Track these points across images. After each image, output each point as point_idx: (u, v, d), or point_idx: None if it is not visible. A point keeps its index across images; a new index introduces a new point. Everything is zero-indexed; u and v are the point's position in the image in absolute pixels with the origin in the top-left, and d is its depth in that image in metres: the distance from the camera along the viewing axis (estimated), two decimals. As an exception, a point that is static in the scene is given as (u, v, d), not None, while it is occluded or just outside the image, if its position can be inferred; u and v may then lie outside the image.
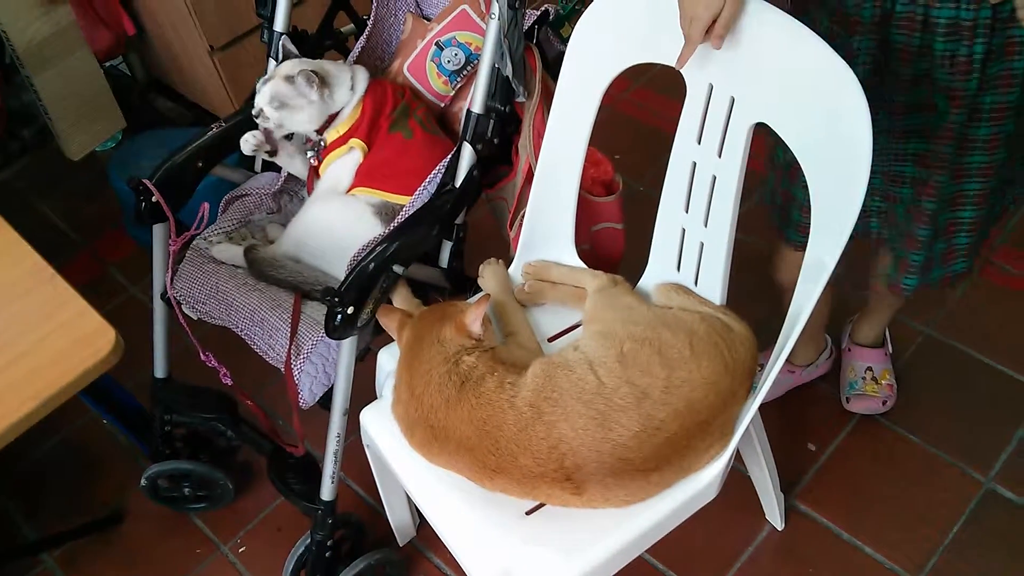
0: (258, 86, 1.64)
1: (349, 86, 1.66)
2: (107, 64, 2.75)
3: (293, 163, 1.75)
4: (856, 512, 1.82)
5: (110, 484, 2.06)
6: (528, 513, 1.32)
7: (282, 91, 1.62)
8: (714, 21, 1.23)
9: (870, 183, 1.16)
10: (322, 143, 1.68)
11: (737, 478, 1.63)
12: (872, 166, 1.16)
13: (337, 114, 1.66)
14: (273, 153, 1.73)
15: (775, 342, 1.34)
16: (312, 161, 1.71)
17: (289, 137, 1.75)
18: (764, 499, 1.77)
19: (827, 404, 1.99)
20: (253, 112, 1.63)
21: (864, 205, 1.17)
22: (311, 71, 1.60)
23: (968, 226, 1.51)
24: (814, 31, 1.21)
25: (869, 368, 1.95)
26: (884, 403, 1.93)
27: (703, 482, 1.32)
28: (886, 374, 1.95)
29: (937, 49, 1.31)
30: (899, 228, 1.52)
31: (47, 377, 1.08)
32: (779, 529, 1.81)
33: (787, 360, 1.85)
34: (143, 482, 1.88)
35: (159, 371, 1.82)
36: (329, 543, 1.67)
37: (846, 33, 1.36)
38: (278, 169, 1.81)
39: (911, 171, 1.45)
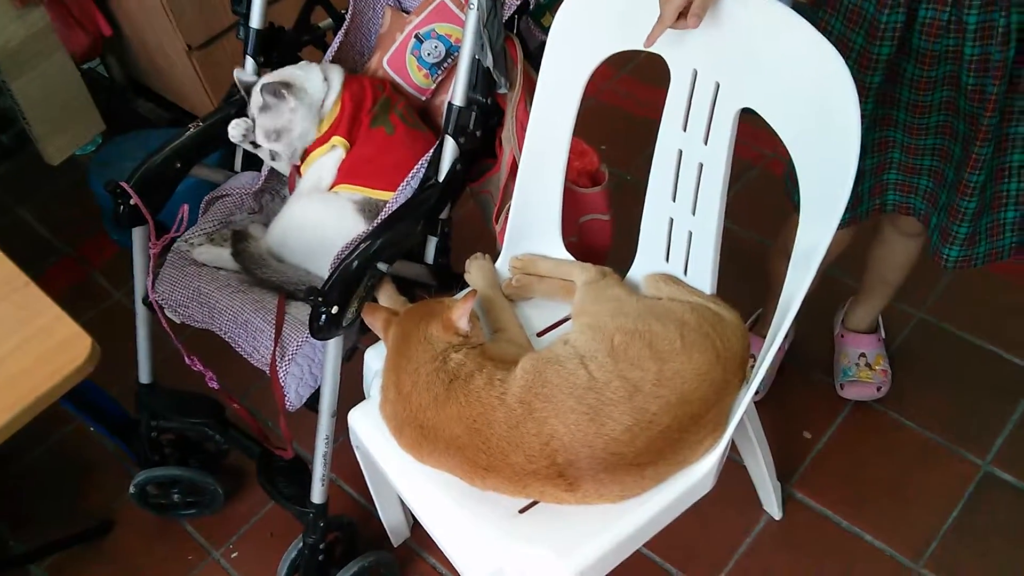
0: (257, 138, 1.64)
1: (321, 79, 1.63)
2: (84, 66, 2.71)
3: (277, 161, 1.72)
4: (854, 499, 1.80)
5: (99, 492, 2.03)
6: (521, 511, 1.30)
7: (267, 122, 1.61)
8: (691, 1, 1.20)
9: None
10: None
11: (733, 469, 1.61)
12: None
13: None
14: (258, 145, 1.70)
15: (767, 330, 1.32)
16: (295, 160, 1.68)
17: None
18: (761, 489, 1.76)
19: (821, 391, 1.97)
20: (262, 154, 1.65)
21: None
22: (275, 85, 1.58)
23: (1015, 199, 1.47)
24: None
25: (863, 354, 1.93)
26: (878, 389, 1.92)
27: (698, 475, 1.30)
28: (880, 360, 1.93)
29: (970, 22, 1.29)
30: (942, 202, 1.50)
31: (22, 387, 1.05)
32: (777, 519, 1.79)
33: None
34: (132, 489, 1.85)
35: (144, 376, 1.79)
36: (322, 546, 1.65)
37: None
38: (259, 168, 1.78)
39: (946, 143, 1.43)
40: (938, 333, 2.04)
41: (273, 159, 1.69)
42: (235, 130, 1.66)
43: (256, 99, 1.62)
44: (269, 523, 1.94)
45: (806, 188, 1.24)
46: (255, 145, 1.69)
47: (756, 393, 1.36)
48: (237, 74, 1.68)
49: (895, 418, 1.91)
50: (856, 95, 1.14)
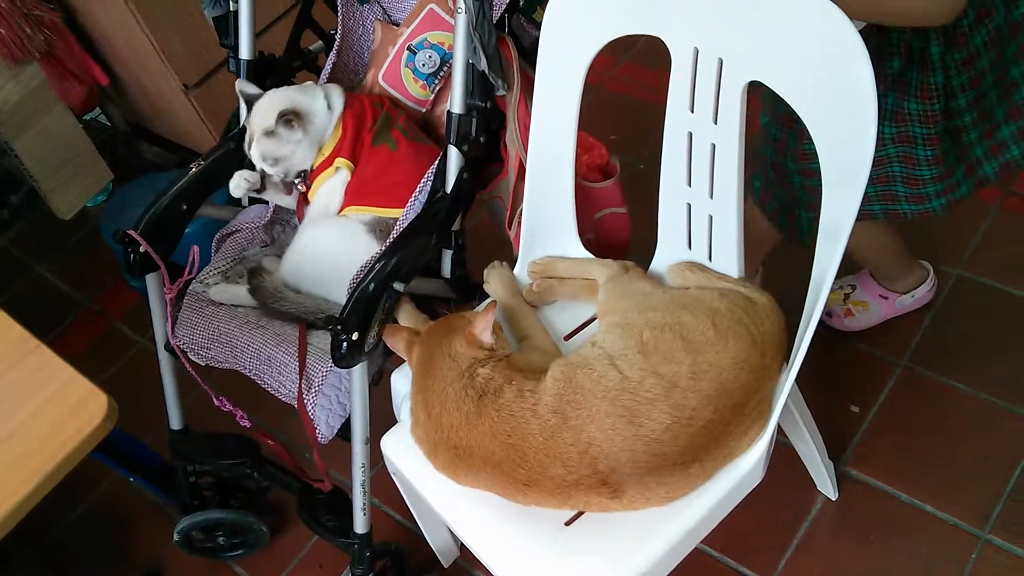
0: (246, 147, 1.60)
1: (326, 107, 1.60)
2: (86, 117, 2.72)
3: (281, 196, 1.70)
4: (910, 471, 1.75)
5: (144, 543, 2.02)
6: (568, 523, 1.26)
7: (268, 148, 1.58)
8: None
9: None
10: (307, 170, 1.62)
11: (781, 452, 1.56)
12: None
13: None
14: (261, 190, 1.68)
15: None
16: (300, 188, 1.65)
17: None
18: (813, 470, 1.70)
19: (865, 363, 1.91)
20: (259, 174, 1.62)
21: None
22: (289, 114, 1.55)
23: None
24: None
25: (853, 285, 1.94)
26: (829, 315, 1.93)
27: (747, 466, 1.25)
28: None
29: None
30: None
31: (43, 453, 1.03)
32: (832, 499, 1.74)
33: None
34: (176, 536, 1.84)
35: (174, 423, 1.78)
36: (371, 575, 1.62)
37: None
38: (266, 201, 1.76)
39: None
40: (978, 289, 1.98)
41: (262, 190, 1.67)
42: (239, 189, 1.64)
43: (261, 120, 1.59)
44: (317, 555, 1.91)
45: (826, 160, 1.19)
46: (258, 191, 1.67)
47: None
48: (239, 85, 1.65)
49: (945, 382, 1.85)
50: (866, 50, 1.09)
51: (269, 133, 1.57)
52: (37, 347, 1.15)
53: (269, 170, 1.61)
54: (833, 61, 1.13)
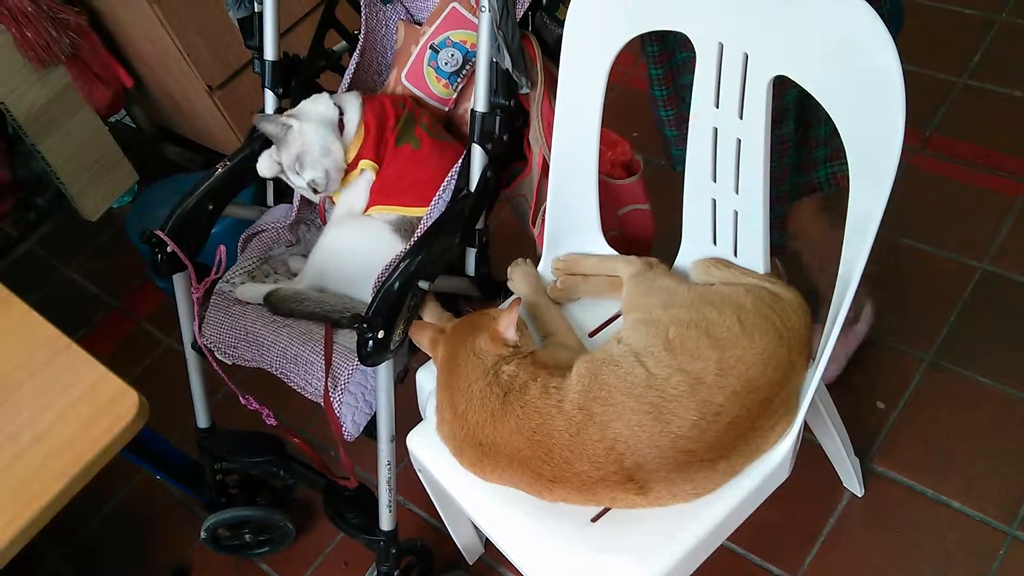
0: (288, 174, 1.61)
1: (328, 102, 1.61)
2: (111, 119, 2.74)
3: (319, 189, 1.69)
4: (937, 467, 1.73)
5: (172, 541, 2.04)
6: (594, 520, 1.27)
7: (286, 155, 1.59)
8: None
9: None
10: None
11: (807, 448, 1.55)
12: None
13: None
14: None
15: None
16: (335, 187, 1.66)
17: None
18: (839, 467, 1.70)
19: (890, 359, 1.90)
20: (294, 181, 1.62)
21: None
22: (268, 121, 1.58)
23: None
24: None
25: None
26: None
27: (774, 462, 1.25)
28: None
29: None
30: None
31: (74, 451, 1.04)
32: (859, 496, 1.73)
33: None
34: (203, 534, 1.85)
35: (202, 421, 1.79)
36: (396, 572, 1.63)
37: None
38: (291, 201, 1.76)
39: None
40: (1003, 283, 1.96)
41: (316, 192, 1.66)
42: (264, 165, 1.64)
43: (303, 174, 1.60)
44: (343, 553, 1.92)
45: (853, 153, 1.18)
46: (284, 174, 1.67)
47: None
48: (256, 122, 1.65)
49: (970, 377, 1.84)
50: (891, 38, 1.08)
51: (277, 143, 1.59)
52: (68, 346, 1.16)
53: (310, 176, 1.59)
54: (859, 53, 1.12)
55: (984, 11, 2.46)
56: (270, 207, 1.81)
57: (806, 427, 1.50)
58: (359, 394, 1.51)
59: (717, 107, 1.31)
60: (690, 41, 1.30)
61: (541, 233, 1.57)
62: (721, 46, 1.27)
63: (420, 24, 1.75)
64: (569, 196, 1.51)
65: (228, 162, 1.68)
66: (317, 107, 1.61)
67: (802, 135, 1.49)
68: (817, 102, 1.34)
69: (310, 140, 1.57)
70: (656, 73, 1.53)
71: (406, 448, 1.47)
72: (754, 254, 1.38)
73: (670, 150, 1.63)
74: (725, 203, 1.39)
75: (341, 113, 1.61)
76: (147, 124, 2.86)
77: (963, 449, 1.75)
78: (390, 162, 1.62)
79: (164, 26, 2.31)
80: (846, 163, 1.46)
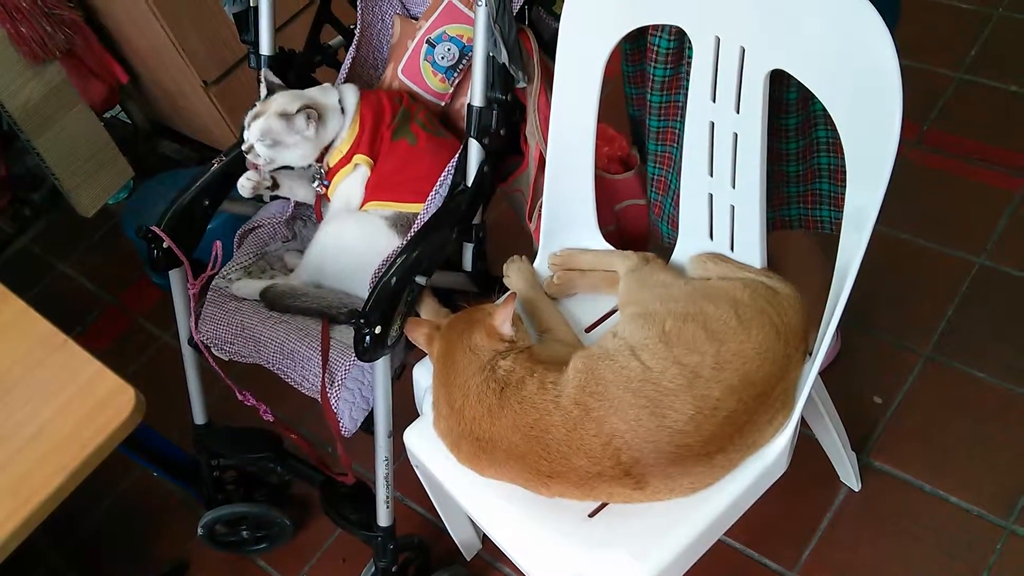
0: (247, 121, 1.58)
1: (339, 110, 1.60)
2: (106, 115, 2.73)
3: (296, 192, 1.70)
4: (934, 461, 1.74)
5: (169, 537, 2.04)
6: (591, 515, 1.27)
7: (275, 128, 1.54)
8: None
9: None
10: (323, 169, 1.62)
11: (804, 443, 1.56)
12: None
13: (331, 144, 1.61)
14: (274, 187, 1.67)
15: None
16: (319, 189, 1.65)
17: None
18: (836, 461, 1.70)
19: (888, 353, 1.90)
20: (244, 148, 1.58)
21: None
22: (311, 109, 1.55)
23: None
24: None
25: None
26: None
27: (771, 456, 1.25)
28: None
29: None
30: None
31: (71, 447, 1.04)
32: (856, 490, 1.73)
33: None
34: (200, 531, 1.85)
35: (198, 417, 1.79)
36: (394, 569, 1.63)
37: None
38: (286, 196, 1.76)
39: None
40: (1001, 278, 1.96)
41: (275, 187, 1.66)
42: (244, 188, 1.62)
43: (283, 102, 1.56)
44: (340, 549, 1.92)
45: (850, 148, 1.18)
46: (272, 188, 1.67)
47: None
48: (266, 75, 1.63)
49: (967, 372, 1.84)
50: (889, 33, 1.08)
51: (285, 116, 1.54)
52: (65, 342, 1.16)
53: (260, 150, 1.55)
54: (856, 47, 1.12)
55: (981, 6, 2.46)
56: (266, 203, 1.81)
57: (803, 422, 1.50)
58: (356, 390, 1.50)
59: (714, 101, 1.31)
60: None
61: (538, 228, 1.56)
62: (718, 40, 1.27)
63: (416, 18, 1.75)
64: (566, 191, 1.50)
65: (224, 157, 1.68)
66: (331, 120, 1.59)
67: (772, 168, 1.44)
68: (790, 135, 1.35)
69: (299, 148, 1.57)
70: (628, 71, 1.53)
71: (403, 444, 1.47)
72: (751, 249, 1.38)
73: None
74: (722, 198, 1.39)
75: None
76: (142, 120, 2.86)
77: (960, 444, 1.75)
78: (386, 158, 1.62)
79: (159, 21, 2.31)
80: (821, 207, 1.48)
